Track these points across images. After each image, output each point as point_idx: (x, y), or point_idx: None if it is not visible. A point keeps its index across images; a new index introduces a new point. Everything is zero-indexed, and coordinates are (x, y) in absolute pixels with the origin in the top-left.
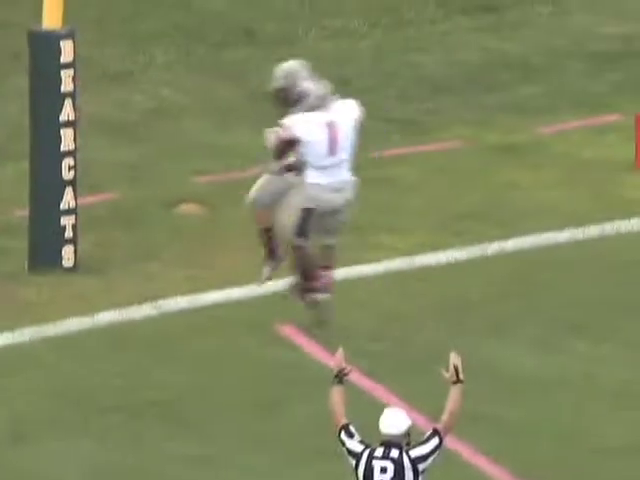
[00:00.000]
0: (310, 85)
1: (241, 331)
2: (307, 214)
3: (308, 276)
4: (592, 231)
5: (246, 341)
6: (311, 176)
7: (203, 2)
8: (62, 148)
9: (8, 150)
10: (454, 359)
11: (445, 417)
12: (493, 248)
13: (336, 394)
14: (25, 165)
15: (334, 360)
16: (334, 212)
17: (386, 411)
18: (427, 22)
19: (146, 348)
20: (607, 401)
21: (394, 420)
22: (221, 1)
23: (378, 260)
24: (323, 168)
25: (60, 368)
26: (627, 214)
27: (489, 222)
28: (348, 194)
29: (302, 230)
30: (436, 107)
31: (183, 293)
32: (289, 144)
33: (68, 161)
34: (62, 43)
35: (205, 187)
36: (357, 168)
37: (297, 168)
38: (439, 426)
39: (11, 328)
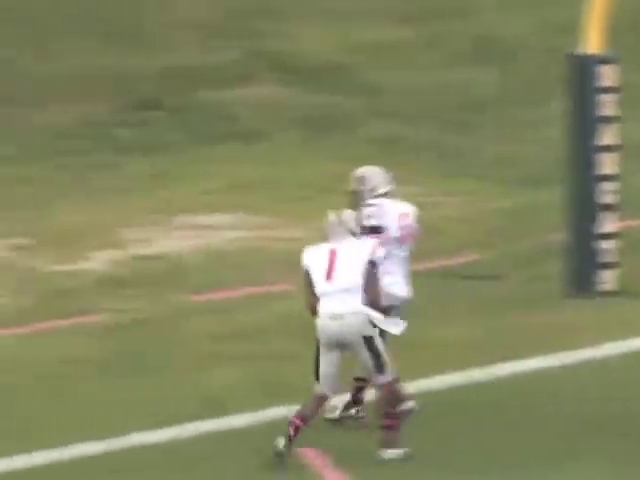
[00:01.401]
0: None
1: None
2: (317, 348)
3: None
4: None
5: None
6: (320, 305)
7: None
8: (600, 172)
9: (549, 175)
10: None
11: None
12: None
13: None
14: (562, 189)
15: None
16: (343, 345)
17: None
18: None
19: None
20: None
21: None
22: None
23: None
24: (324, 295)
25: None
26: None
27: None
28: (346, 323)
29: (316, 368)
30: None
31: None
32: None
33: (607, 186)
34: (601, 67)
35: None
36: None
37: None
38: None
39: (545, 353)
